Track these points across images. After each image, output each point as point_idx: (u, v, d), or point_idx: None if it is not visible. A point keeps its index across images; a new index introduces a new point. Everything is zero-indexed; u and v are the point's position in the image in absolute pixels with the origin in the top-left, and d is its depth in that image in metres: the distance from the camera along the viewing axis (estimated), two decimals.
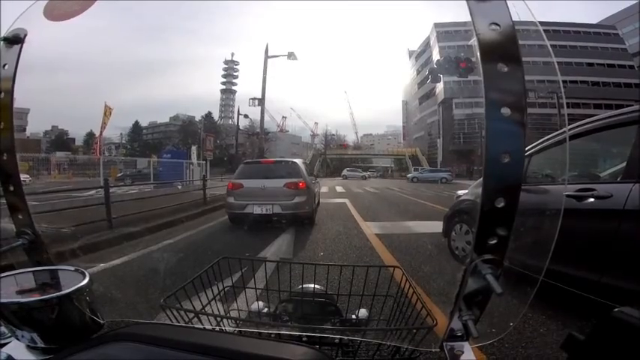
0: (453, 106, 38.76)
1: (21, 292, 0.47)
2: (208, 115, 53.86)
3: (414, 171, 30.16)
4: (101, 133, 12.60)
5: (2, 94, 0.60)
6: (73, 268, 0.52)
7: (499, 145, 0.43)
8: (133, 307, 2.28)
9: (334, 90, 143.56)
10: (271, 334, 0.57)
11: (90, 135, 44.96)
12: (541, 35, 0.50)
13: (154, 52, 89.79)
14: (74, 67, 72.20)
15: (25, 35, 0.60)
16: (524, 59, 0.43)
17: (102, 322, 0.51)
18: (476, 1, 0.43)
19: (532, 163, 2.76)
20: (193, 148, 20.16)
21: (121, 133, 49.99)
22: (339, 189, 15.85)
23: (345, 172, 34.72)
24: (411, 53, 49.33)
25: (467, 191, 4.40)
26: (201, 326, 0.62)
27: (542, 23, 0.51)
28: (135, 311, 2.21)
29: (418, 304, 0.68)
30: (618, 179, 2.21)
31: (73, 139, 48.58)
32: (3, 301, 0.43)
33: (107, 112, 12.96)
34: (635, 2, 33.57)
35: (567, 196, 2.06)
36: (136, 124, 52.06)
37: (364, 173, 35.35)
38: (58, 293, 0.45)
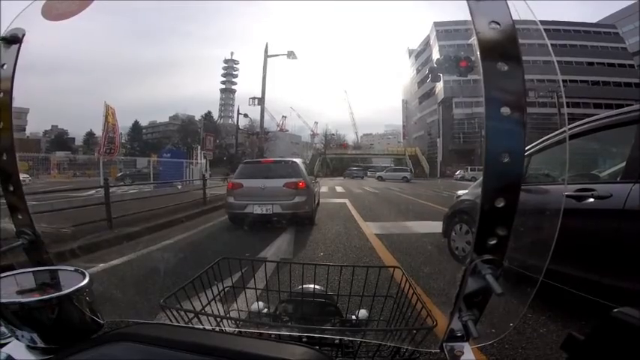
0: (453, 105, 38.69)
1: (21, 292, 0.47)
2: (208, 115, 53.67)
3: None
4: (104, 131, 12.46)
5: (1, 93, 0.60)
6: (72, 268, 0.52)
7: (499, 145, 0.42)
8: (133, 307, 2.28)
9: (334, 89, 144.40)
10: (271, 334, 0.57)
11: (90, 134, 44.99)
12: (541, 34, 0.50)
13: (153, 51, 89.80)
14: (73, 67, 72.38)
15: (24, 35, 0.60)
16: (524, 58, 0.42)
17: (102, 322, 0.50)
18: None
19: (532, 162, 2.76)
20: (198, 148, 19.88)
21: (121, 133, 49.84)
22: (339, 189, 15.84)
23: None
24: (410, 52, 49.21)
25: (467, 191, 4.40)
26: (201, 326, 0.62)
27: (542, 22, 0.51)
28: (135, 311, 2.21)
29: (418, 304, 0.68)
30: (618, 179, 2.21)
31: (73, 139, 48.51)
32: (3, 301, 0.43)
33: (109, 112, 12.85)
34: (634, 1, 33.59)
35: (567, 196, 2.05)
36: (136, 124, 51.90)
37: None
38: (58, 293, 0.45)
